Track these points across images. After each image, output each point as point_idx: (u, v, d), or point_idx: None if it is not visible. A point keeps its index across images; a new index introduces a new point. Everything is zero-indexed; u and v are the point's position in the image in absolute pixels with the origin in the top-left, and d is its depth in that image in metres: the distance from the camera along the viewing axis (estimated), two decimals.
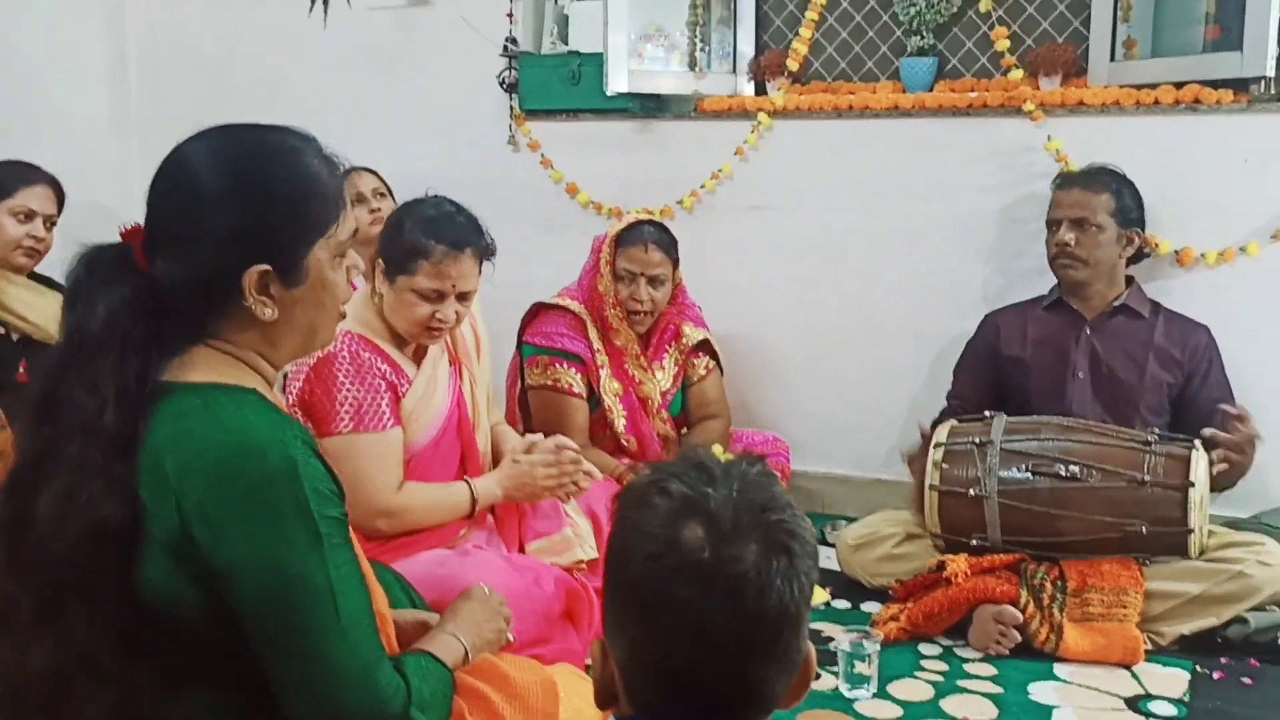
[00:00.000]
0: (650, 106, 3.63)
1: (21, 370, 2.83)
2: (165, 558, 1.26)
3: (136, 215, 1.37)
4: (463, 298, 2.38)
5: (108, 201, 3.81)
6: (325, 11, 3.88)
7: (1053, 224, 2.93)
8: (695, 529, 0.98)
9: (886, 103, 3.36)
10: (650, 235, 3.01)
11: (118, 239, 1.35)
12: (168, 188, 1.34)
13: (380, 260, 2.40)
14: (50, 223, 2.99)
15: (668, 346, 3.17)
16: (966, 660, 2.49)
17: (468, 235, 2.36)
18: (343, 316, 1.44)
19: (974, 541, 2.61)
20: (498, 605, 1.70)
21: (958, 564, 2.54)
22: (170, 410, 1.28)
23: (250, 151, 1.36)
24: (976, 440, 2.65)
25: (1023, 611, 2.48)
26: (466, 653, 1.57)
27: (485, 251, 2.40)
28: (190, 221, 1.31)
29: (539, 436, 2.56)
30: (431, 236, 2.33)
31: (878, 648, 2.30)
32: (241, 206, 1.31)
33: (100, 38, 4.01)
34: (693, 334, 3.20)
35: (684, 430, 3.22)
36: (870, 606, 2.75)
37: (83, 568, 1.24)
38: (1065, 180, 2.98)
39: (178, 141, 1.37)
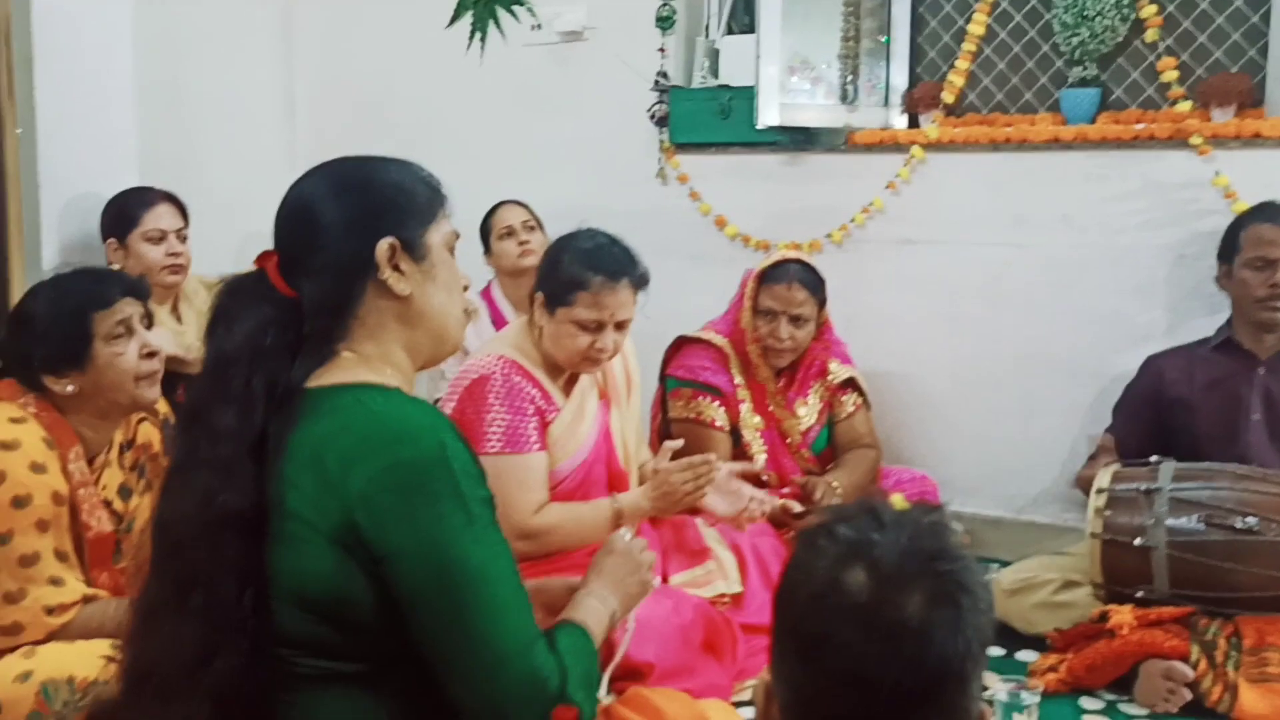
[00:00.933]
0: (800, 139, 3.61)
1: (179, 393, 2.96)
2: (333, 550, 1.30)
3: None
4: (620, 327, 2.41)
5: None
6: (482, 49, 3.98)
7: (1261, 262, 2.74)
8: (858, 573, 0.98)
9: (1046, 135, 3.27)
10: (796, 274, 2.97)
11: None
12: (288, 214, 1.45)
13: (539, 293, 2.44)
14: (181, 236, 3.10)
15: (812, 383, 3.13)
16: (1132, 717, 2.38)
17: (624, 266, 2.40)
18: (469, 316, 1.50)
19: (1139, 593, 2.48)
20: (639, 553, 1.67)
21: (1123, 615, 2.42)
22: (323, 409, 1.35)
23: (352, 166, 1.48)
24: (1143, 487, 2.53)
25: (1194, 668, 2.34)
26: (615, 612, 1.58)
27: (640, 281, 2.44)
28: (312, 235, 1.41)
29: (679, 442, 2.55)
30: (589, 268, 2.37)
31: (1037, 699, 2.20)
32: (352, 201, 1.42)
33: (271, 77, 4.19)
34: (839, 371, 3.15)
35: (829, 467, 3.17)
36: (1026, 655, 2.64)
37: (207, 558, 1.31)
38: (1272, 213, 2.79)
39: None
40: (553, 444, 2.45)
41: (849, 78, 3.59)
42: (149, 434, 2.28)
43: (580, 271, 2.38)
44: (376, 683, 1.37)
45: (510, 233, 3.52)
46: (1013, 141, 3.32)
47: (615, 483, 2.57)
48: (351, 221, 1.41)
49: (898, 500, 1.01)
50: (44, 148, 3.23)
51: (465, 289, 1.53)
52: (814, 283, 2.99)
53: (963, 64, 3.46)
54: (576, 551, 2.39)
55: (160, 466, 2.25)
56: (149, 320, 2.16)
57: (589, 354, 2.39)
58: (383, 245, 1.40)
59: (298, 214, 1.44)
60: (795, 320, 2.96)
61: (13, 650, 1.88)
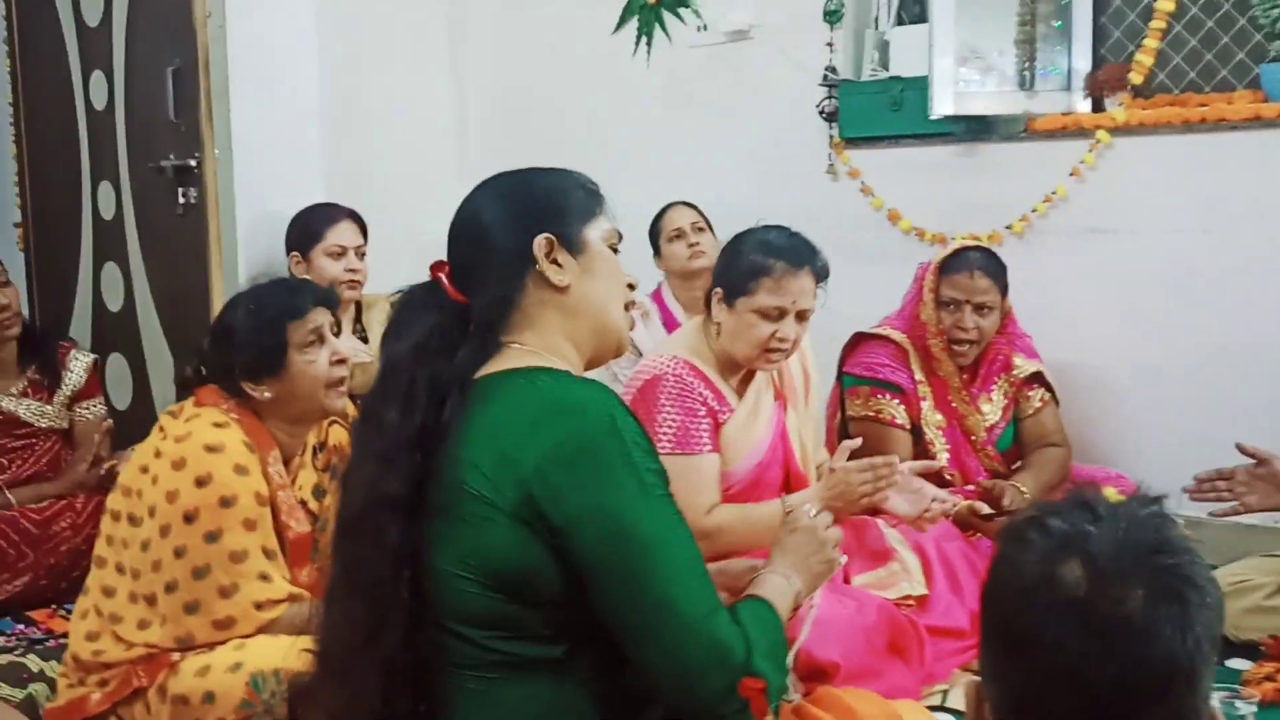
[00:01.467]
0: (975, 129, 3.49)
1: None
2: (515, 526, 1.35)
3: None
4: (800, 317, 2.38)
5: None
6: (649, 52, 4.02)
7: None
8: (1073, 567, 0.93)
9: (1245, 113, 3.08)
10: (977, 261, 2.89)
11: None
12: (458, 225, 1.54)
13: (717, 289, 2.43)
14: (360, 253, 3.22)
15: (996, 378, 3.02)
16: None
17: (806, 254, 2.39)
18: (629, 312, 1.56)
19: None
20: (824, 530, 1.64)
21: None
22: (496, 393, 1.41)
23: (513, 175, 1.56)
24: None
25: None
26: (799, 591, 1.56)
27: (821, 271, 2.41)
28: (479, 240, 1.50)
29: (857, 441, 2.49)
30: (772, 255, 2.36)
31: (1254, 709, 2.07)
32: (511, 203, 1.51)
33: (444, 93, 4.32)
34: (1025, 366, 3.03)
35: (1014, 465, 3.05)
36: (1237, 663, 2.48)
37: (369, 541, 1.39)
38: None
39: None
40: (726, 445, 2.43)
41: (1026, 63, 3.46)
42: (339, 436, 2.37)
43: (762, 259, 2.36)
44: (569, 670, 1.40)
45: (680, 234, 3.53)
46: (1208, 122, 3.13)
47: (792, 485, 2.53)
48: (511, 221, 1.49)
49: (1111, 493, 0.95)
50: (239, 168, 3.41)
51: (632, 287, 1.57)
52: (996, 269, 2.89)
53: (1152, 42, 3.29)
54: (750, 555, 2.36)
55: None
56: (338, 328, 2.24)
57: (770, 344, 2.36)
58: (540, 239, 1.47)
59: (466, 224, 1.53)
60: (979, 309, 2.87)
61: (224, 643, 1.98)
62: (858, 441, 2.46)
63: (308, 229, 3.23)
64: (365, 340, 3.25)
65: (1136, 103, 3.31)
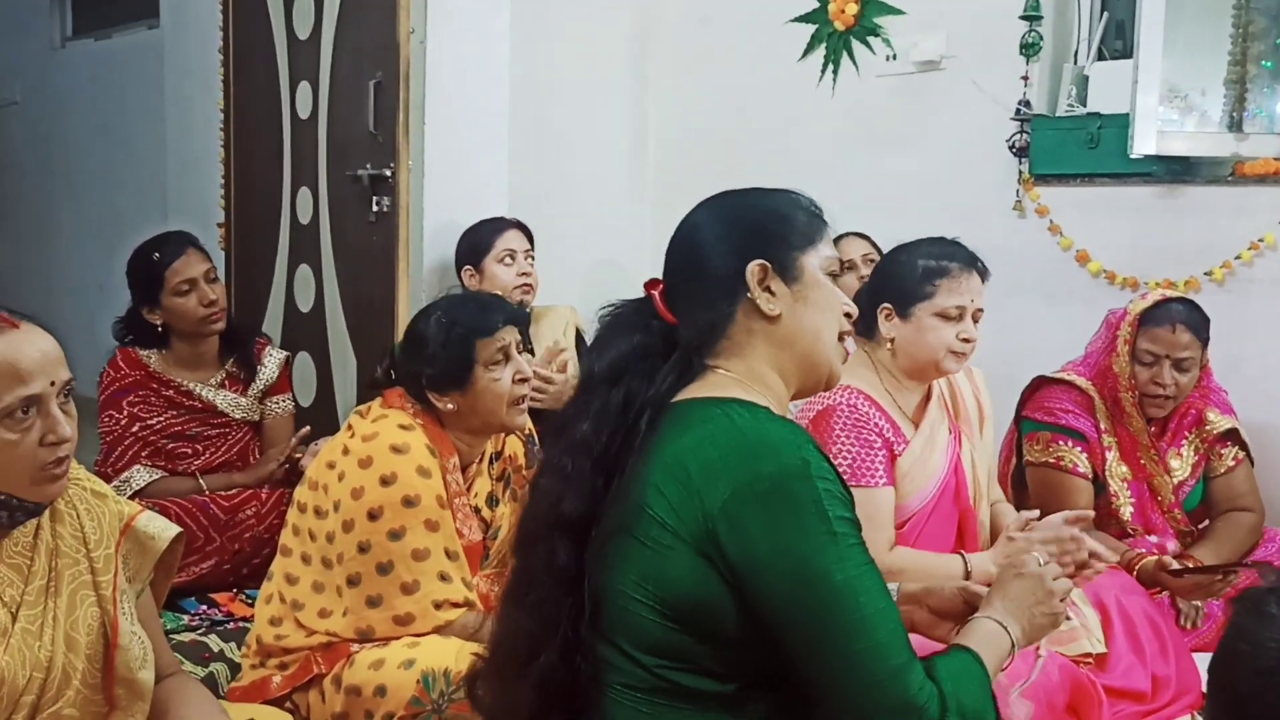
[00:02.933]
0: (1176, 170, 3.35)
1: None
2: (693, 556, 1.33)
3: (647, 273, 1.57)
4: (976, 318, 2.37)
5: (623, 260, 4.15)
6: (834, 80, 3.98)
7: None
8: None
9: None
10: (1180, 315, 2.74)
11: (640, 293, 1.54)
12: (675, 244, 1.52)
13: (885, 305, 2.39)
14: (529, 257, 3.31)
15: (1187, 434, 2.87)
16: None
17: (973, 255, 2.40)
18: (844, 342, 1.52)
19: None
20: (1052, 580, 1.55)
21: None
22: (690, 420, 1.39)
23: (734, 195, 1.54)
24: None
25: None
26: (1014, 643, 1.47)
27: (985, 272, 2.41)
28: (693, 260, 1.49)
29: (1036, 513, 2.40)
30: (943, 259, 2.36)
31: None
32: (728, 226, 1.49)
33: (625, 115, 4.38)
34: (1219, 421, 2.87)
35: (1202, 525, 2.89)
36: None
37: (543, 558, 1.41)
38: None
39: (686, 207, 1.56)
40: (902, 477, 2.37)
41: (1235, 103, 3.30)
42: (515, 446, 2.41)
43: (935, 262, 2.36)
44: (739, 707, 1.36)
45: (851, 266, 3.48)
46: None
47: (964, 519, 2.46)
48: (726, 244, 1.47)
49: None
50: (430, 180, 3.53)
51: (849, 316, 1.52)
52: (1199, 323, 2.75)
53: None
54: None
55: (523, 478, 2.38)
56: (525, 346, 2.28)
57: (957, 346, 2.34)
58: (753, 265, 1.45)
59: (682, 243, 1.52)
60: (1179, 365, 2.73)
61: (398, 639, 2.03)
62: (1035, 513, 2.36)
63: (477, 241, 3.32)
64: (532, 353, 3.32)
65: None
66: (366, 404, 2.28)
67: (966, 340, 2.34)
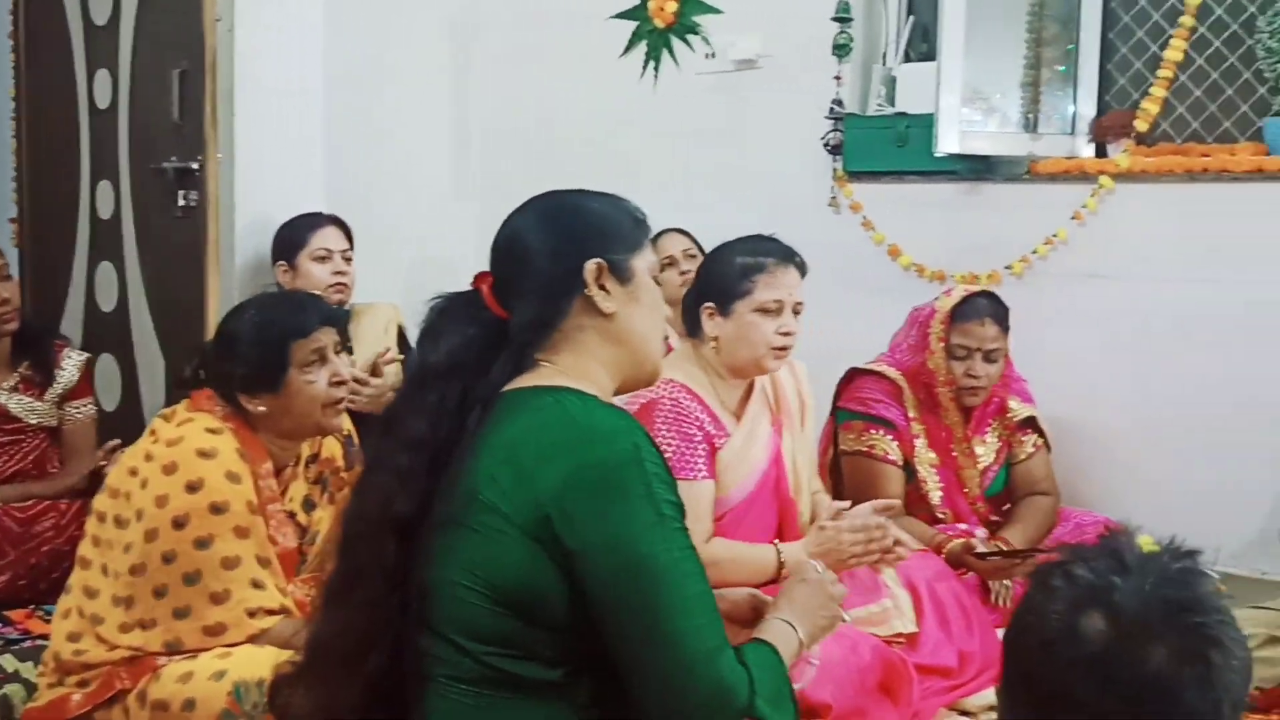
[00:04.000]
0: (979, 169, 3.51)
1: None
2: (525, 541, 1.35)
3: (472, 269, 1.58)
4: (795, 311, 2.42)
5: (447, 256, 4.09)
6: (656, 77, 4.02)
7: None
8: (1096, 620, 0.91)
9: (1247, 165, 3.10)
10: (987, 309, 2.88)
11: (466, 287, 1.54)
12: (504, 241, 1.55)
13: (707, 304, 2.43)
14: (346, 257, 3.21)
15: (990, 422, 3.02)
16: None
17: (789, 250, 2.45)
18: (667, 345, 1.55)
19: None
20: (831, 586, 1.67)
21: None
22: (522, 408, 1.42)
23: (562, 197, 1.58)
24: None
25: None
26: (801, 641, 1.56)
27: (803, 267, 2.46)
28: (525, 258, 1.51)
29: (847, 504, 2.48)
30: (760, 254, 2.41)
31: None
32: (562, 226, 1.52)
33: (449, 108, 4.32)
34: (1019, 409, 3.02)
35: (1005, 507, 3.05)
36: None
37: (370, 557, 1.41)
38: None
39: (511, 204, 1.59)
40: (723, 470, 2.41)
41: (1031, 106, 3.49)
42: (333, 448, 2.35)
43: (752, 259, 2.40)
44: (565, 695, 1.38)
45: (672, 262, 3.51)
46: (1210, 172, 3.15)
47: (784, 511, 2.52)
48: (561, 243, 1.50)
49: (1146, 542, 0.93)
50: (240, 174, 3.40)
51: (667, 319, 1.57)
52: (1003, 315, 2.90)
53: (1158, 91, 3.31)
54: None
55: (342, 481, 2.32)
56: (343, 347, 2.22)
57: (777, 340, 2.38)
58: (590, 264, 1.48)
59: (512, 239, 1.53)
60: (989, 356, 2.87)
61: (210, 650, 1.95)
62: (846, 504, 2.45)
63: (292, 236, 3.22)
64: (350, 351, 3.24)
65: (1140, 150, 3.34)
66: (171, 408, 2.18)
67: (787, 334, 2.38)
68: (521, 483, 1.35)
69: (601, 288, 1.49)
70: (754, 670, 1.36)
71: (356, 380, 2.81)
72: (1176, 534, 1.05)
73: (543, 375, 1.47)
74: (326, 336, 2.15)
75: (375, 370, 2.97)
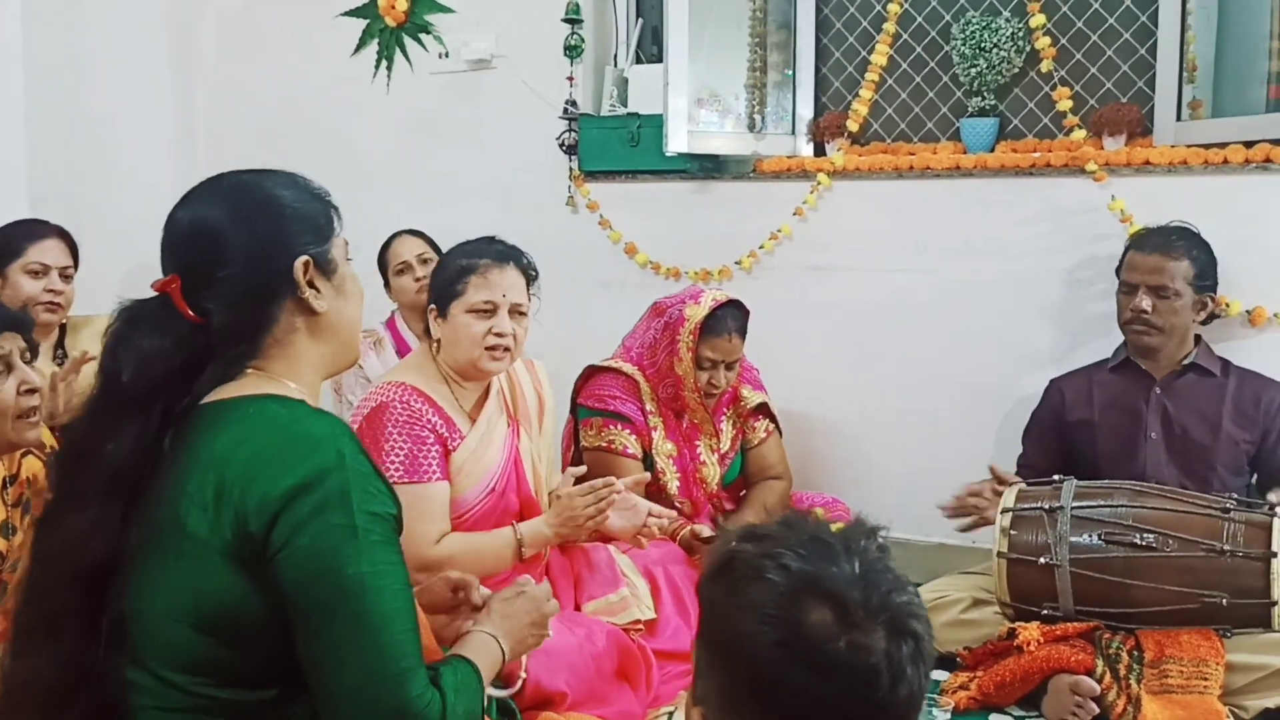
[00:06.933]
0: (708, 167, 3.64)
1: None
2: (229, 565, 1.28)
3: None
4: (515, 313, 2.40)
5: None
6: (389, 77, 3.95)
7: (1128, 287, 2.85)
8: (822, 613, 0.93)
9: (948, 163, 3.34)
10: (733, 325, 2.94)
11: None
12: (186, 237, 1.40)
13: (431, 306, 2.42)
14: (65, 274, 2.95)
15: (725, 410, 3.13)
16: None
17: (508, 252, 2.44)
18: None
19: (1045, 611, 2.51)
20: (545, 602, 1.67)
21: (1029, 632, 2.45)
22: (223, 421, 1.33)
23: (246, 185, 1.45)
24: (1046, 506, 2.56)
25: (1099, 682, 2.38)
26: (504, 655, 1.56)
27: (528, 268, 2.45)
28: (220, 258, 1.37)
29: (581, 469, 2.53)
30: (475, 255, 2.41)
31: (948, 717, 2.21)
32: (258, 223, 1.40)
33: (171, 104, 4.11)
34: (751, 397, 3.15)
35: (742, 493, 3.17)
36: (937, 674, 2.65)
37: (67, 604, 1.31)
38: (1143, 242, 2.87)
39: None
40: (457, 472, 2.39)
41: (756, 107, 3.64)
42: (34, 467, 2.18)
43: (467, 260, 2.40)
44: (280, 713, 1.33)
45: (406, 268, 3.44)
46: (915, 169, 3.38)
47: (526, 510, 2.52)
48: (265, 245, 1.40)
49: (819, 514, 0.98)
50: None
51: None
52: (745, 326, 2.98)
53: (866, 94, 3.52)
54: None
55: (45, 501, 2.16)
56: (32, 355, 2.06)
57: (489, 341, 2.36)
58: (299, 264, 1.40)
59: (198, 237, 1.39)
60: (730, 366, 2.97)
61: None
62: (582, 469, 2.50)
63: (6, 244, 2.95)
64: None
65: (854, 149, 3.54)
66: None
67: (500, 335, 2.37)
68: (223, 500, 1.28)
69: (311, 285, 1.41)
70: (448, 694, 1.34)
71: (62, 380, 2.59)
72: (888, 511, 1.13)
73: (247, 384, 1.38)
74: (10, 343, 1.99)
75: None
